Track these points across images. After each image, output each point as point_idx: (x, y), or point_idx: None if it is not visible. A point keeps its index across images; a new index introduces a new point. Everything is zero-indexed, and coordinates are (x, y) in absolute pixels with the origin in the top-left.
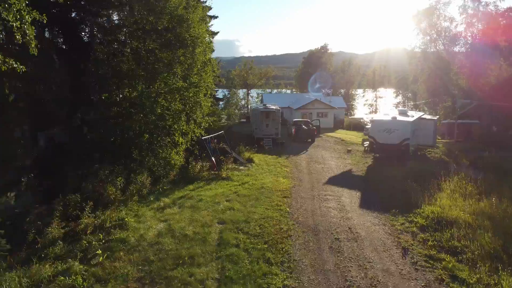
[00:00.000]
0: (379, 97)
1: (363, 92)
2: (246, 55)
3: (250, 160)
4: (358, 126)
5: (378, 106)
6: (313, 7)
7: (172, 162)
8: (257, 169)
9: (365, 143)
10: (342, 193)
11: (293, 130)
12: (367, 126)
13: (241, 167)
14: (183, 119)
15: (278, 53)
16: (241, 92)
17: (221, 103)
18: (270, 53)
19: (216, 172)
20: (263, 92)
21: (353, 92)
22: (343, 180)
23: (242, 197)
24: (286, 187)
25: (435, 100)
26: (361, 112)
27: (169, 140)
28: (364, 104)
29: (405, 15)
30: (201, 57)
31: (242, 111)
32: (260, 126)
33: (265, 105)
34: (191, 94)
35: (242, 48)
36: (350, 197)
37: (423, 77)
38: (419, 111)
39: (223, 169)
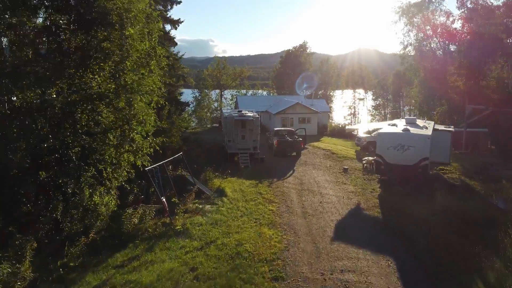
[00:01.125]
0: (358, 98)
1: (342, 94)
2: (220, 55)
3: (220, 192)
4: (342, 133)
5: (358, 109)
6: (287, 8)
7: (94, 207)
8: (230, 209)
9: (364, 160)
10: (366, 264)
11: (274, 141)
12: (360, 136)
13: (207, 206)
14: (111, 142)
15: (252, 53)
16: (214, 94)
17: (191, 105)
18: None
19: (167, 220)
20: (238, 93)
21: (330, 93)
22: (356, 229)
23: (205, 281)
24: (275, 250)
25: (430, 104)
26: (339, 115)
27: (90, 175)
28: (343, 106)
29: (388, 13)
30: (140, 45)
31: (215, 115)
32: (235, 138)
33: (240, 111)
34: (121, 104)
35: (216, 48)
36: (385, 278)
37: (418, 78)
38: (410, 116)
39: (179, 215)
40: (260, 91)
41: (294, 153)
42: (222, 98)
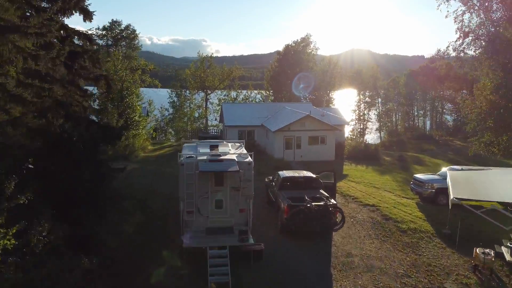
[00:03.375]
0: (364, 102)
1: (343, 95)
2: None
3: None
4: (367, 154)
5: (366, 114)
6: (280, 8)
7: None
8: None
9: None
10: None
11: (283, 206)
12: (421, 178)
13: None
14: None
15: (245, 53)
16: (198, 97)
17: (167, 113)
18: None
19: None
20: (225, 98)
21: (331, 96)
22: None
23: None
24: None
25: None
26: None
27: None
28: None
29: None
30: None
31: (199, 124)
32: (202, 207)
33: (215, 148)
34: None
35: (209, 48)
36: None
37: (495, 80)
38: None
39: None
40: (253, 92)
41: (325, 229)
42: (208, 103)
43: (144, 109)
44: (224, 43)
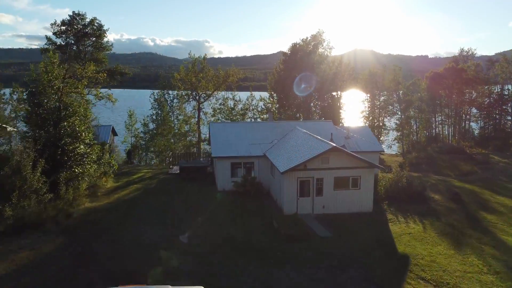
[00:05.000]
0: (379, 108)
1: (361, 102)
2: (216, 56)
3: None
4: (417, 195)
5: (383, 121)
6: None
7: None
8: None
9: None
10: None
11: None
12: None
13: None
14: None
15: (248, 54)
16: (190, 107)
17: (151, 125)
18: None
19: None
20: (221, 108)
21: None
22: None
23: None
24: None
25: None
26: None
27: None
28: (363, 117)
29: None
30: None
31: (189, 139)
32: None
33: None
34: None
35: (212, 49)
36: None
37: None
38: None
39: None
40: (255, 96)
41: None
42: (201, 114)
43: (105, 130)
44: (227, 44)
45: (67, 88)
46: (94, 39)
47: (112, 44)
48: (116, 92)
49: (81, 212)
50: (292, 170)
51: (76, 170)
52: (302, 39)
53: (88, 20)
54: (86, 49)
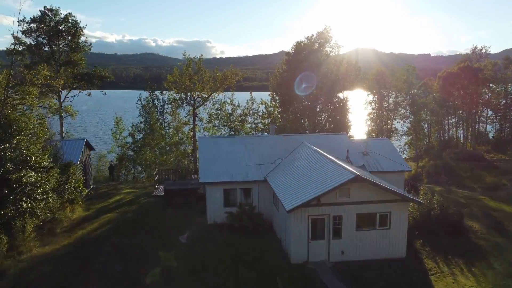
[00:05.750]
0: (388, 110)
1: (366, 103)
2: (218, 56)
3: None
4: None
5: (392, 125)
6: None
7: None
8: None
9: None
10: None
11: None
12: None
13: None
14: None
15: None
16: (184, 113)
17: (138, 134)
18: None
19: None
20: (218, 114)
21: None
22: None
23: None
24: None
25: None
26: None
27: None
28: (370, 120)
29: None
30: None
31: (184, 147)
32: None
33: None
34: None
35: (214, 49)
36: None
37: None
38: None
39: None
40: (256, 103)
41: None
42: (196, 120)
43: (75, 146)
44: (228, 44)
45: (11, 100)
46: (70, 38)
47: (91, 44)
48: (117, 93)
49: (22, 266)
50: (302, 207)
51: (24, 205)
52: (307, 37)
53: (62, 16)
54: (61, 49)
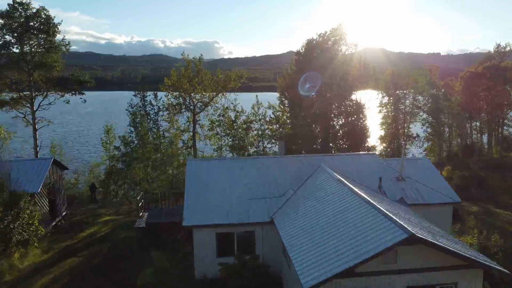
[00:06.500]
0: (404, 113)
1: (380, 105)
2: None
3: None
4: None
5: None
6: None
7: None
8: None
9: None
10: None
11: None
12: None
13: None
14: None
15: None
16: (183, 119)
17: (122, 148)
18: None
19: None
20: (220, 120)
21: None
22: None
23: None
24: None
25: None
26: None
27: None
28: (382, 124)
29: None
30: None
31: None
32: None
33: None
34: None
35: (222, 50)
36: None
37: None
38: None
39: None
40: (263, 107)
41: None
42: (196, 126)
43: (36, 168)
44: (236, 44)
45: None
46: (44, 36)
47: (69, 43)
48: (124, 94)
49: None
50: (330, 281)
51: None
52: (320, 34)
53: (34, 10)
54: (33, 50)
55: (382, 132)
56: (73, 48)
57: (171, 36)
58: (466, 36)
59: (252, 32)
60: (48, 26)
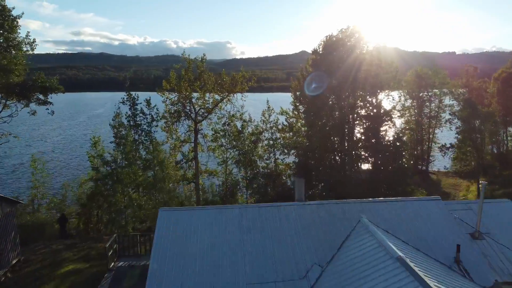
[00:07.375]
0: (429, 117)
1: (402, 109)
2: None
3: None
4: None
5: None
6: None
7: None
8: None
9: None
10: None
11: None
12: None
13: None
14: None
15: (270, 54)
16: (183, 128)
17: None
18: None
19: None
20: (225, 130)
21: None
22: None
23: None
24: None
25: None
26: None
27: None
28: (404, 130)
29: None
30: None
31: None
32: None
33: None
34: None
35: (234, 50)
36: None
37: None
38: None
39: None
40: (275, 113)
41: None
42: (197, 138)
43: None
44: (248, 44)
45: None
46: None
47: (34, 41)
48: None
49: None
50: None
51: None
52: (341, 29)
53: None
54: None
55: (404, 138)
56: (87, 49)
57: (184, 36)
58: (482, 35)
59: (265, 32)
60: (3, 19)
